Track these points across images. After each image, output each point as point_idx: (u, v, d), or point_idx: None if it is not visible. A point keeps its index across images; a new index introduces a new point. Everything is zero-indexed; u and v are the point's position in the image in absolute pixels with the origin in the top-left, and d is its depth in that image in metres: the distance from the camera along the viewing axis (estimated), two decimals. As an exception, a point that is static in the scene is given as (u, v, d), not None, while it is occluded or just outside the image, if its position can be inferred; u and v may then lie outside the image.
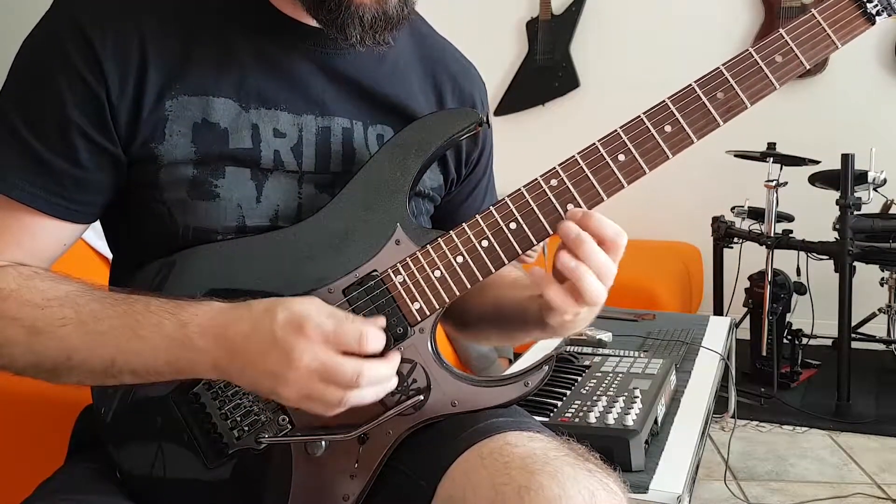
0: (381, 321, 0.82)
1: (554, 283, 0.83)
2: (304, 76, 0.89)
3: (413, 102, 0.95)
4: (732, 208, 3.29)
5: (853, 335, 2.90)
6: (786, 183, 3.02)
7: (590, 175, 0.85)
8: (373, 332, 0.77)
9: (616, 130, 0.85)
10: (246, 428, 0.84)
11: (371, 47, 0.85)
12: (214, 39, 0.86)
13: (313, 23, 0.87)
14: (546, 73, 4.07)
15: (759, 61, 0.84)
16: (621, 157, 0.85)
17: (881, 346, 3.32)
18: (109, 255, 0.98)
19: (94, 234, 1.67)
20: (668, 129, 0.84)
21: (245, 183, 0.86)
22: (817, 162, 3.02)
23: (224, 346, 0.76)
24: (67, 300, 0.79)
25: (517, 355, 2.48)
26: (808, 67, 0.85)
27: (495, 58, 4.03)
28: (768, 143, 3.05)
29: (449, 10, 3.68)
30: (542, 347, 1.93)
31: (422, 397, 0.85)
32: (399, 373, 0.83)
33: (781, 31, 0.85)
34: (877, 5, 0.84)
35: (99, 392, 0.87)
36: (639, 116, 0.85)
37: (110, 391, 0.86)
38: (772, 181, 2.98)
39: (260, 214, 0.86)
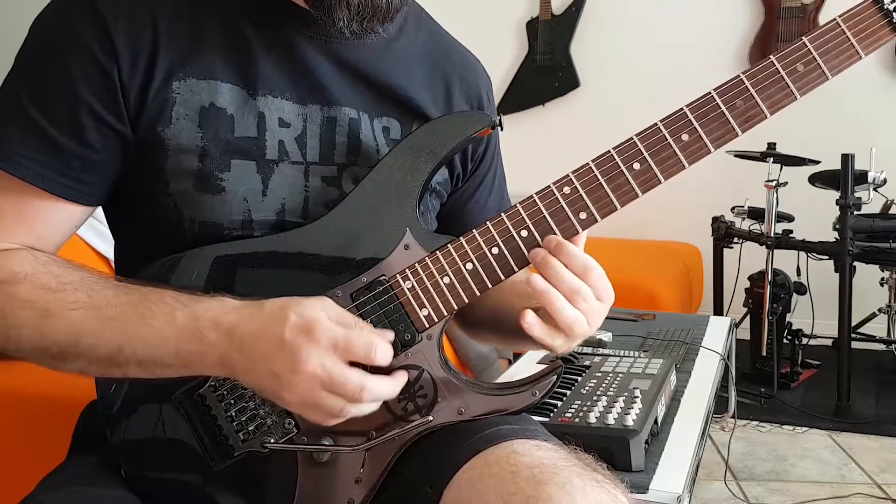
0: (390, 335, 0.81)
1: (531, 314, 0.83)
2: (312, 65, 0.89)
3: (418, 96, 0.95)
4: (732, 208, 3.28)
5: (853, 335, 2.90)
6: (786, 183, 3.02)
7: (604, 183, 0.83)
8: (382, 345, 0.77)
9: (632, 138, 0.83)
10: (251, 431, 0.83)
11: (360, 35, 0.86)
12: (223, 26, 0.86)
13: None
14: (546, 73, 4.07)
15: (781, 70, 0.82)
16: (636, 166, 0.83)
17: (881, 346, 3.32)
18: (109, 255, 0.98)
19: (94, 234, 1.66)
20: (685, 137, 0.83)
21: (251, 176, 0.86)
22: (817, 162, 3.02)
23: (233, 343, 0.76)
24: (82, 284, 0.79)
25: (517, 356, 2.48)
26: (830, 78, 0.83)
27: (495, 58, 4.02)
28: (768, 143, 3.05)
29: (449, 10, 3.67)
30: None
31: (431, 418, 0.84)
32: (407, 380, 0.83)
33: (805, 38, 0.82)
34: None
35: (104, 391, 0.87)
36: (655, 124, 0.83)
37: (115, 390, 0.86)
38: (772, 181, 2.98)
39: (266, 208, 0.86)
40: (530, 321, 0.83)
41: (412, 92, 0.94)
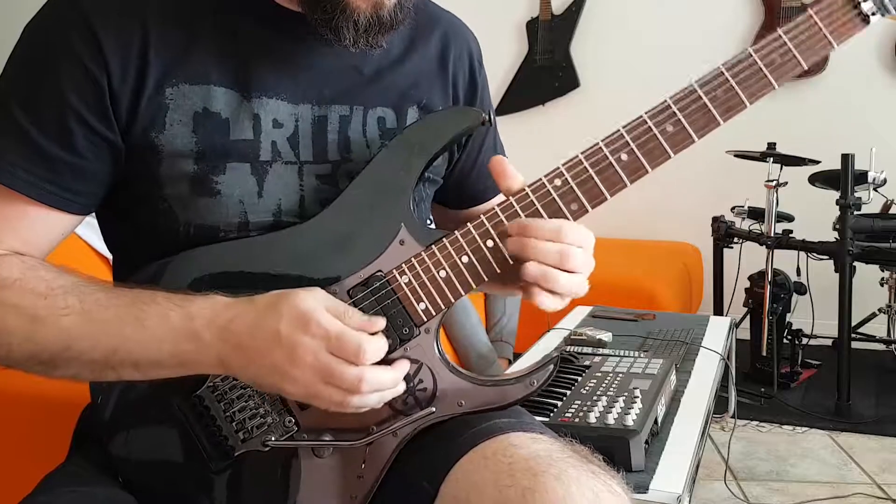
0: (381, 323, 0.81)
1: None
2: (303, 64, 0.89)
3: (413, 79, 0.95)
4: (732, 208, 3.28)
5: (853, 335, 2.89)
6: (786, 183, 3.02)
7: (593, 174, 0.85)
8: (372, 346, 0.77)
9: (619, 130, 0.86)
10: (251, 430, 0.84)
11: (365, 50, 0.85)
12: (214, 29, 0.86)
13: None
14: (546, 73, 4.07)
15: (758, 61, 0.85)
16: (624, 157, 0.85)
17: (881, 346, 3.32)
18: (109, 255, 0.98)
19: (94, 234, 1.66)
20: (669, 128, 0.85)
21: (246, 178, 0.85)
22: (817, 162, 3.02)
23: (229, 341, 0.76)
24: (72, 289, 0.79)
25: (517, 355, 2.49)
26: (805, 67, 0.86)
27: (495, 58, 4.02)
28: (768, 143, 3.05)
29: (449, 10, 3.67)
30: (542, 348, 1.93)
31: (433, 409, 0.85)
32: (406, 373, 0.83)
33: (780, 30, 0.86)
34: (871, 6, 0.85)
35: (98, 394, 0.87)
36: (641, 116, 0.86)
37: (111, 392, 0.85)
38: (772, 181, 2.98)
39: (262, 209, 0.86)
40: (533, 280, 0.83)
41: (407, 77, 0.95)
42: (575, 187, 0.85)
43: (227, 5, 0.87)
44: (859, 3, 0.85)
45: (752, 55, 0.86)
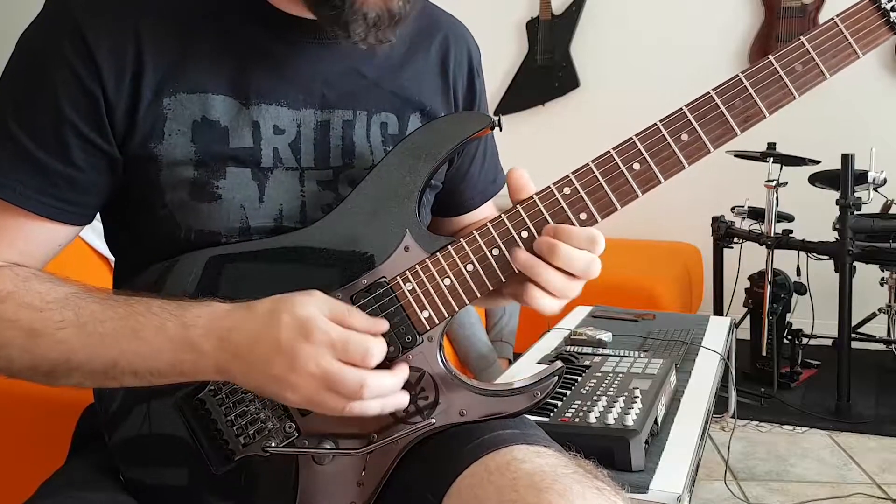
0: (385, 325, 0.81)
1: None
2: (304, 69, 0.88)
3: (415, 84, 0.95)
4: (732, 208, 3.28)
5: (853, 335, 2.89)
6: (786, 183, 3.02)
7: (604, 183, 0.83)
8: (378, 349, 0.76)
9: (631, 138, 0.83)
10: (252, 435, 0.83)
11: (373, 46, 0.84)
12: (212, 36, 0.85)
13: (310, 16, 0.85)
14: (546, 73, 4.07)
15: (779, 70, 0.82)
16: (636, 166, 0.83)
17: (881, 346, 3.32)
18: (109, 255, 0.98)
19: (94, 234, 1.66)
20: (684, 137, 0.83)
21: (247, 183, 0.85)
22: (817, 162, 3.02)
23: (228, 350, 0.76)
24: (67, 302, 0.78)
25: (517, 355, 2.49)
26: (828, 77, 0.83)
27: (495, 58, 4.03)
28: (768, 143, 3.04)
29: (449, 11, 3.66)
30: (542, 348, 1.93)
31: (433, 420, 0.84)
32: (407, 381, 0.82)
33: (802, 38, 0.83)
34: None
35: (101, 396, 0.87)
36: (655, 124, 0.83)
37: (113, 395, 0.85)
38: (772, 181, 2.98)
39: (263, 215, 0.86)
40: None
41: (409, 81, 0.94)
42: (584, 196, 0.83)
43: (220, 9, 0.86)
44: (888, 12, 0.82)
45: (772, 63, 0.82)
